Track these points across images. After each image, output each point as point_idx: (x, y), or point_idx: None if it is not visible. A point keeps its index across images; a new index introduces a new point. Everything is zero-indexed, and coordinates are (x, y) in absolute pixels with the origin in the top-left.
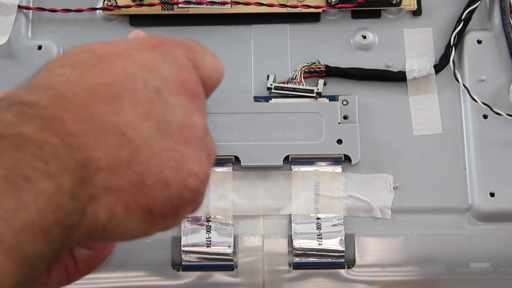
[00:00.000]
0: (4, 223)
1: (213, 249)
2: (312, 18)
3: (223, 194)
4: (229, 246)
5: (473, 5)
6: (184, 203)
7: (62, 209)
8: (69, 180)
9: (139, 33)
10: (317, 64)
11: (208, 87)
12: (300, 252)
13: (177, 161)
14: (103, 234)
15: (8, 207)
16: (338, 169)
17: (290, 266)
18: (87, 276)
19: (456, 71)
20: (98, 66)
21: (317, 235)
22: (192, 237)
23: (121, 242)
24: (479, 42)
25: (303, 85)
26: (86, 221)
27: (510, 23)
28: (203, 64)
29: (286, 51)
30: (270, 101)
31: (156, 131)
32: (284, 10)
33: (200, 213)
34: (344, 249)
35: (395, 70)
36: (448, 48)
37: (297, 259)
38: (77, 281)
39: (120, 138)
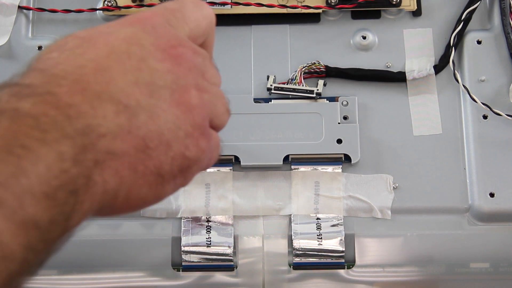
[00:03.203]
0: (2, 188)
1: (213, 249)
2: (312, 18)
3: (223, 195)
4: (229, 246)
5: (473, 5)
6: (188, 161)
7: (65, 174)
8: (70, 146)
9: None
10: (317, 64)
11: (202, 33)
12: (300, 252)
13: (174, 122)
14: (115, 201)
15: (6, 173)
16: (338, 169)
17: (290, 267)
18: (87, 276)
19: (456, 71)
20: (83, 46)
21: (317, 235)
22: (192, 237)
23: (134, 212)
24: (479, 42)
25: (303, 85)
26: (96, 187)
27: (510, 23)
28: (184, 19)
29: (286, 51)
30: (269, 102)
31: (149, 96)
32: (284, 10)
33: (200, 213)
34: (344, 249)
35: (395, 70)
36: (448, 49)
37: (297, 260)
38: (77, 281)
39: (116, 105)
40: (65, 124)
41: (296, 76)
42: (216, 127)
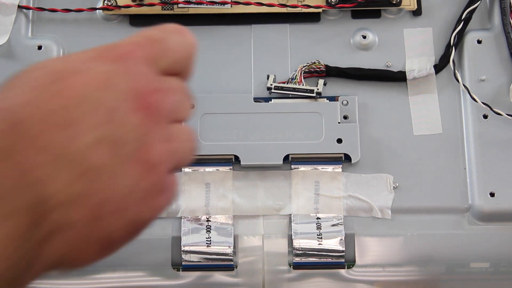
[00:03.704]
0: None
1: (213, 249)
2: (312, 18)
3: (223, 194)
4: (229, 246)
5: (473, 5)
6: (144, 221)
7: (14, 254)
8: (23, 221)
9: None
10: (317, 64)
11: (181, 62)
12: (300, 252)
13: (133, 183)
14: (58, 266)
15: None
16: (338, 168)
17: (290, 266)
18: (87, 276)
19: (456, 71)
20: (54, 85)
21: (317, 235)
22: (192, 237)
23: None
24: (479, 42)
25: (303, 85)
26: (43, 259)
27: (510, 23)
28: (166, 51)
29: (286, 51)
30: (269, 102)
31: (112, 156)
32: (284, 10)
33: (200, 213)
34: (344, 249)
35: (395, 70)
36: (448, 48)
37: (297, 259)
38: (78, 281)
39: (77, 168)
40: (22, 192)
41: (296, 75)
42: (176, 169)
